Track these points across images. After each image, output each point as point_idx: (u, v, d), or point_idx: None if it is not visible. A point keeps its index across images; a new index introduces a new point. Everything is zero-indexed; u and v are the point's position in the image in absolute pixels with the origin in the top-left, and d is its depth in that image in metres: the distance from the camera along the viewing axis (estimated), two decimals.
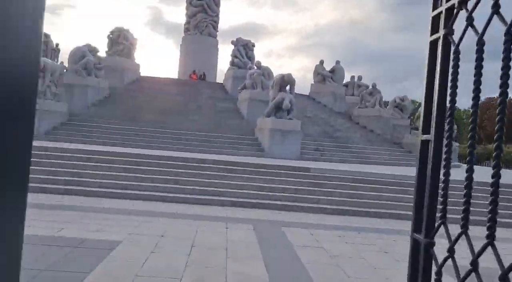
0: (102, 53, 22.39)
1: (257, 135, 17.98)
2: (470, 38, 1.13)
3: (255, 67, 20.15)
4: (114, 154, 12.46)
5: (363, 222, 9.78)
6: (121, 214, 8.33)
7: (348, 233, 8.31)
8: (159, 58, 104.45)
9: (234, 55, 23.62)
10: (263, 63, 20.53)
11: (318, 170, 12.93)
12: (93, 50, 20.05)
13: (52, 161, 11.50)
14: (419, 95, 24.43)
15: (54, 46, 26.30)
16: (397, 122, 26.78)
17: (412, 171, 15.65)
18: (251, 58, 23.71)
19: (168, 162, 12.26)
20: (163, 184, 11.02)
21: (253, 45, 24.04)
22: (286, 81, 16.92)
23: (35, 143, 11.47)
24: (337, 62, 28.13)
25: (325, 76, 27.43)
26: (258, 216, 9.48)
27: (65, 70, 19.50)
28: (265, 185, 11.65)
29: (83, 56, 19.27)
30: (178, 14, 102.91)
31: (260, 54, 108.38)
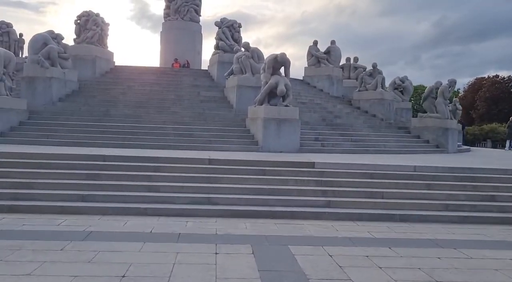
0: (69, 41, 20.16)
1: (248, 126, 16.00)
2: None
3: (243, 50, 18.06)
4: (76, 157, 10.42)
5: (389, 230, 7.89)
6: (74, 239, 6.33)
7: (378, 250, 6.41)
8: (145, 52, 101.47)
9: (218, 38, 21.45)
10: None
11: (324, 164, 11.01)
12: (57, 37, 17.80)
13: None
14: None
15: (18, 36, 23.93)
16: (398, 105, 25.01)
17: (430, 160, 13.83)
18: (237, 40, 21.56)
19: (142, 164, 10.26)
20: (134, 192, 9.03)
21: (240, 26, 21.88)
22: (279, 62, 14.89)
23: None
24: (332, 42, 26.12)
25: (319, 58, 25.42)
26: (256, 229, 7.55)
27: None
28: (262, 186, 9.72)
29: (45, 44, 17.03)
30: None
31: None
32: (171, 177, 9.91)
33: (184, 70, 24.04)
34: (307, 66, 26.30)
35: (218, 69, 20.85)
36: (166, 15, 34.44)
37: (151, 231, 7.09)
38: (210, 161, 10.76)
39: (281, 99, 15.22)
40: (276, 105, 14.99)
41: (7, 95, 14.64)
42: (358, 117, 21.30)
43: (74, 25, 20.92)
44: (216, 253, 5.95)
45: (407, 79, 27.09)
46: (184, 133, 14.89)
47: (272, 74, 15.05)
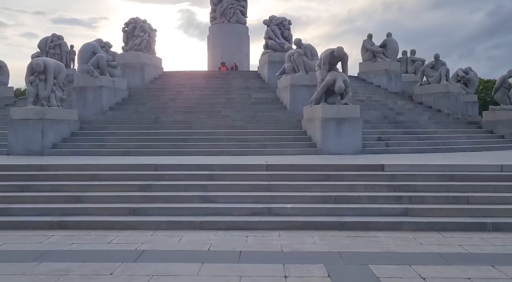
0: (118, 50, 20.15)
1: (304, 128, 15.10)
2: None
3: (294, 47, 17.16)
4: (127, 167, 9.98)
5: (483, 243, 6.73)
6: (126, 260, 5.71)
7: (480, 270, 5.34)
8: (192, 59, 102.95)
9: (268, 37, 20.69)
10: None
11: (395, 166, 9.91)
12: (105, 46, 17.77)
13: (46, 183, 9.13)
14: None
15: (69, 48, 24.37)
16: (463, 98, 23.14)
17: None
18: (287, 38, 20.71)
19: (195, 172, 9.66)
20: (189, 204, 8.41)
21: (290, 23, 21.02)
22: (336, 57, 13.90)
23: (32, 161, 8.95)
24: (388, 34, 24.66)
25: (375, 52, 24.05)
26: (327, 244, 6.65)
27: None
28: (327, 194, 8.80)
29: (94, 53, 17.01)
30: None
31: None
32: (227, 186, 9.22)
33: (233, 72, 23.48)
34: (361, 61, 25.00)
35: (268, 70, 20.10)
36: (213, 18, 34.23)
37: (208, 249, 6.38)
38: (268, 167, 9.98)
39: (339, 97, 14.22)
40: (334, 104, 14.00)
41: (58, 106, 14.60)
42: (422, 113, 19.82)
43: (122, 33, 20.90)
44: (285, 276, 5.14)
45: (471, 70, 25.04)
46: (236, 137, 14.23)
47: (328, 71, 14.07)
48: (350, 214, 8.13)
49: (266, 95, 18.65)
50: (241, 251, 6.24)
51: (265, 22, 21.21)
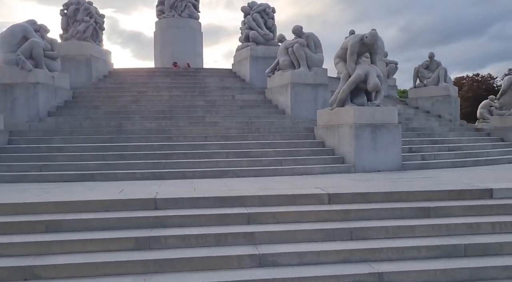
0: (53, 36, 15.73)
1: (320, 137, 11.95)
2: None
3: (294, 37, 13.94)
4: (106, 205, 6.21)
5: None
6: None
7: None
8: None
9: (248, 27, 17.29)
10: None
11: (506, 191, 7.04)
12: (39, 29, 13.47)
13: None
14: None
15: None
16: None
17: None
18: (271, 29, 17.49)
19: (219, 211, 6.23)
20: (237, 270, 4.89)
21: (273, 11, 17.81)
22: (367, 45, 10.95)
23: None
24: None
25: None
26: None
27: None
28: (444, 240, 5.77)
29: (25, 38, 12.68)
30: (135, 22, 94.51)
31: (220, 55, 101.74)
32: (283, 234, 5.81)
33: (203, 70, 19.97)
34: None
35: (250, 66, 16.76)
36: (160, 12, 30.31)
37: None
38: (331, 198, 6.67)
39: (365, 97, 11.29)
40: (364, 106, 11.01)
41: None
42: (429, 119, 17.53)
43: (60, 17, 16.56)
44: None
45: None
46: (239, 152, 10.71)
47: (356, 63, 11.09)
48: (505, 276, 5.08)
49: (253, 97, 15.29)
50: None
51: (243, 9, 17.86)
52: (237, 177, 9.41)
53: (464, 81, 60.99)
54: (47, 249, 5.33)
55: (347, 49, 11.14)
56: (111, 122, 12.29)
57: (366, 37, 10.87)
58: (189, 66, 25.91)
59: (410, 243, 5.74)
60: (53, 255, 5.26)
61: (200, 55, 29.36)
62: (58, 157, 10.13)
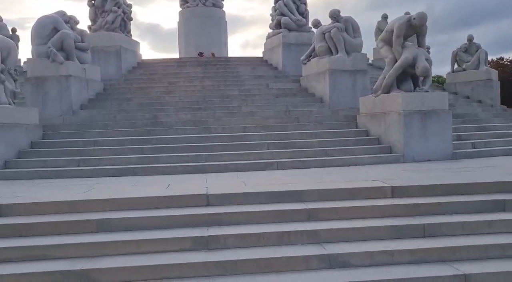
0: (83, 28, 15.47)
1: (364, 126, 11.41)
2: None
3: (331, 21, 13.35)
4: (155, 202, 5.85)
5: None
6: None
7: None
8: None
9: (279, 13, 16.72)
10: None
11: None
12: (69, 21, 13.21)
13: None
14: None
15: (10, 32, 19.26)
16: None
17: None
18: (304, 14, 16.91)
19: (274, 207, 5.78)
20: (306, 272, 4.48)
21: None
22: (415, 27, 10.32)
23: None
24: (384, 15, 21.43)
25: None
26: None
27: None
28: None
29: (56, 29, 12.42)
30: (152, 15, 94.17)
31: (236, 46, 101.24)
32: (348, 232, 5.35)
33: (233, 58, 19.45)
34: (375, 47, 21.67)
35: (283, 54, 16.23)
36: (183, 1, 29.90)
37: None
38: (394, 191, 6.18)
39: (411, 83, 10.67)
40: (412, 92, 10.41)
41: (9, 103, 10.06)
42: (470, 105, 16.76)
43: (88, 8, 16.30)
44: None
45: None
46: (281, 143, 10.28)
47: (402, 46, 10.47)
48: None
49: (288, 86, 14.79)
50: None
51: None
52: (282, 169, 8.99)
53: (489, 65, 59.39)
54: (100, 250, 5.00)
55: (392, 31, 10.52)
56: (145, 114, 11.97)
57: (414, 18, 10.22)
58: (213, 56, 25.52)
59: (491, 241, 5.23)
60: (106, 256, 4.93)
61: (225, 44, 28.90)
62: (95, 151, 9.86)
